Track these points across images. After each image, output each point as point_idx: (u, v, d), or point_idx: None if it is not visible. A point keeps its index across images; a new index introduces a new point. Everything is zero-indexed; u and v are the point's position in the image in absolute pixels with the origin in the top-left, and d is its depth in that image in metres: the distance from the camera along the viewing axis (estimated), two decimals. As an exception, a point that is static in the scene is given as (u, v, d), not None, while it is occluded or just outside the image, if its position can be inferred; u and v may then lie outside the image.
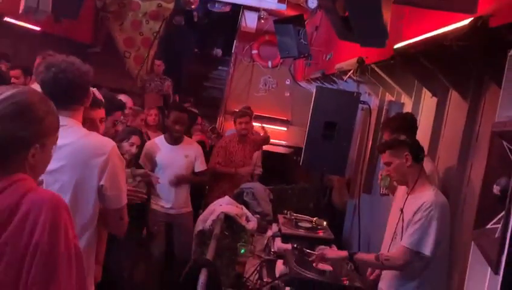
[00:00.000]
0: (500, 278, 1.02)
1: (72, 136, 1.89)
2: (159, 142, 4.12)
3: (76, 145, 1.88)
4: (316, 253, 2.54)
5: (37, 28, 6.17)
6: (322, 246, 2.83)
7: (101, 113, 2.28)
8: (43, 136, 1.34)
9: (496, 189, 1.19)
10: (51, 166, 1.49)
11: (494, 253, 1.08)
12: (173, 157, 4.05)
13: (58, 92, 1.87)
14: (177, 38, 8.15)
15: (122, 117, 3.31)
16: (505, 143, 1.24)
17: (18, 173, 1.29)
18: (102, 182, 1.88)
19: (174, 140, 4.08)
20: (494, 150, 1.33)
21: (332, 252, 2.50)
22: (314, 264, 2.44)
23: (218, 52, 9.23)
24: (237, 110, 5.38)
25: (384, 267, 2.50)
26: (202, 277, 1.98)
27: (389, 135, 3.01)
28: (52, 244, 1.22)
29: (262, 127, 5.67)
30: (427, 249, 2.29)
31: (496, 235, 1.15)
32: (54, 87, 1.88)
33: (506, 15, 1.85)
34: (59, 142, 1.47)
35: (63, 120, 1.85)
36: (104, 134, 3.01)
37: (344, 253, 2.46)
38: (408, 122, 3.08)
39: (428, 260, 2.32)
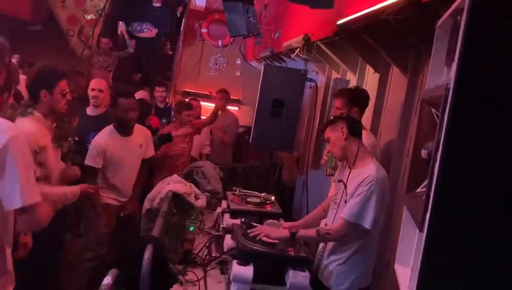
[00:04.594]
0: (424, 234, 1.09)
1: None
2: (108, 135, 3.70)
3: None
4: (258, 228, 2.54)
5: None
6: (270, 221, 2.88)
7: None
8: None
9: (424, 153, 1.25)
10: None
11: (419, 213, 1.14)
12: (127, 149, 3.75)
13: None
14: None
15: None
16: (432, 109, 1.30)
17: None
18: None
19: (126, 130, 3.75)
20: (423, 117, 1.39)
21: (275, 232, 2.50)
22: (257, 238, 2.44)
23: None
24: (182, 102, 5.23)
25: (326, 240, 2.55)
26: (147, 253, 1.96)
27: (341, 102, 3.08)
28: None
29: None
30: (366, 222, 2.34)
31: (423, 197, 1.21)
32: None
33: (438, -11, 1.92)
34: None
35: None
36: (54, 107, 2.77)
37: (286, 232, 2.45)
38: (363, 95, 3.19)
39: (367, 232, 2.40)
